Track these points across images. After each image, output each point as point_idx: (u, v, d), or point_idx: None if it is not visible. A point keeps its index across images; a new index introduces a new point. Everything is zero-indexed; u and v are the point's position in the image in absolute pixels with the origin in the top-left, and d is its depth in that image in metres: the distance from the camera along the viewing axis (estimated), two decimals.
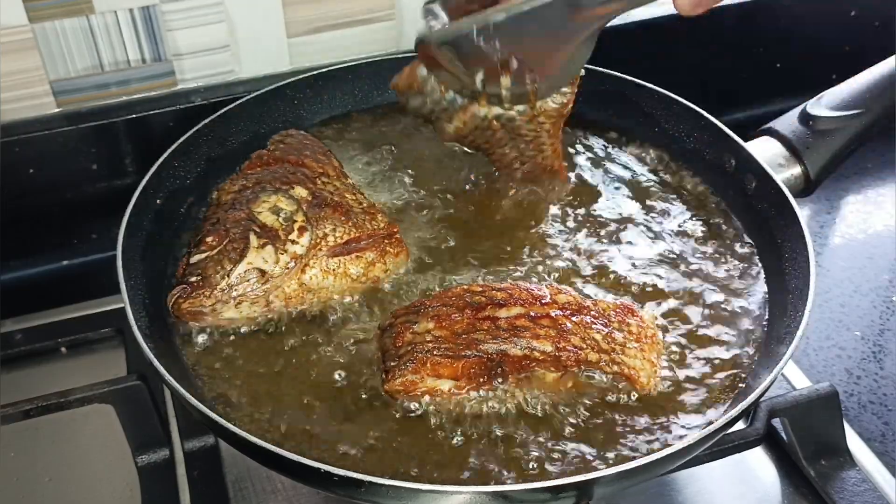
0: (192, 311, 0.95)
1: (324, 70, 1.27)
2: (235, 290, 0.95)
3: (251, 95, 1.22)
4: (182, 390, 0.83)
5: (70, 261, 1.31)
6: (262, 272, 0.95)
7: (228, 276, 0.94)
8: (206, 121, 1.16)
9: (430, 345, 0.88)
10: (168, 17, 1.21)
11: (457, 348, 0.88)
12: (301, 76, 1.26)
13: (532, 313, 0.91)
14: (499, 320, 0.91)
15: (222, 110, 1.19)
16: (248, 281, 0.95)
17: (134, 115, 1.24)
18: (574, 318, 0.92)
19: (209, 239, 0.97)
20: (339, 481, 0.76)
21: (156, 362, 0.85)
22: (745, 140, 1.13)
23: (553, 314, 0.92)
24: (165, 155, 1.10)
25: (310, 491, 0.99)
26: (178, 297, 0.94)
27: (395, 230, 1.03)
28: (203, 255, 0.96)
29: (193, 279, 0.94)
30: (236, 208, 1.00)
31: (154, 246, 1.05)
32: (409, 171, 1.18)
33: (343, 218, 1.01)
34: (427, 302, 0.93)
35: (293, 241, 0.98)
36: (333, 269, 0.99)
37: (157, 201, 1.08)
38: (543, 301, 0.93)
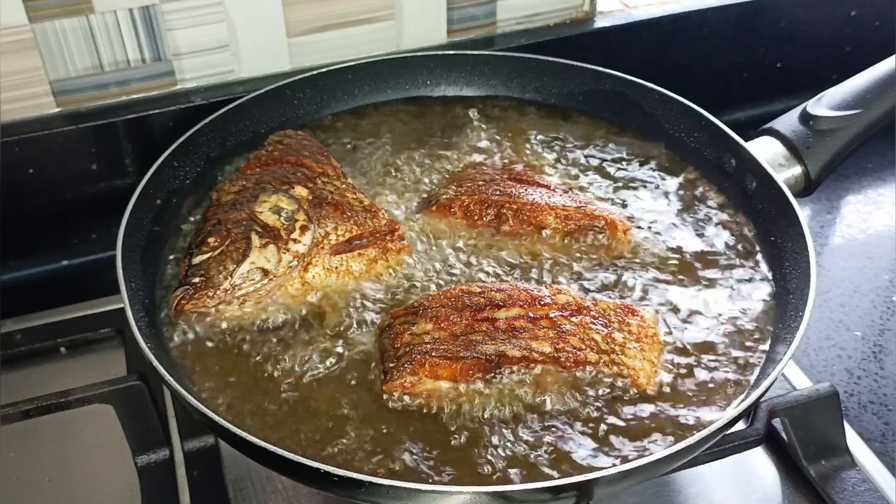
0: (196, 311, 0.95)
1: (324, 70, 1.28)
2: (239, 289, 0.95)
3: (251, 95, 1.22)
4: (182, 390, 0.83)
5: (70, 261, 1.31)
6: (265, 271, 0.96)
7: (231, 275, 0.95)
8: (206, 121, 1.17)
9: (429, 346, 0.88)
10: (168, 16, 1.21)
11: (455, 349, 0.88)
12: (301, 76, 1.26)
13: (531, 314, 0.91)
14: (497, 321, 0.91)
15: (222, 110, 1.19)
16: (251, 280, 0.95)
17: (134, 115, 1.24)
18: (574, 319, 0.92)
19: (211, 239, 0.97)
20: (339, 481, 0.76)
21: (156, 362, 0.85)
22: (746, 140, 1.13)
23: (552, 315, 0.92)
24: (165, 155, 1.10)
25: (310, 491, 0.99)
26: (181, 297, 0.94)
27: (397, 227, 1.03)
28: (205, 256, 0.96)
29: (196, 280, 0.94)
30: (237, 208, 1.01)
31: (154, 246, 1.05)
32: (410, 170, 1.18)
33: (344, 216, 1.02)
34: (426, 302, 0.93)
35: (295, 240, 0.98)
36: (336, 267, 0.99)
37: (157, 201, 1.08)
38: (543, 302, 0.93)
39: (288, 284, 0.97)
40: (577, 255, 1.05)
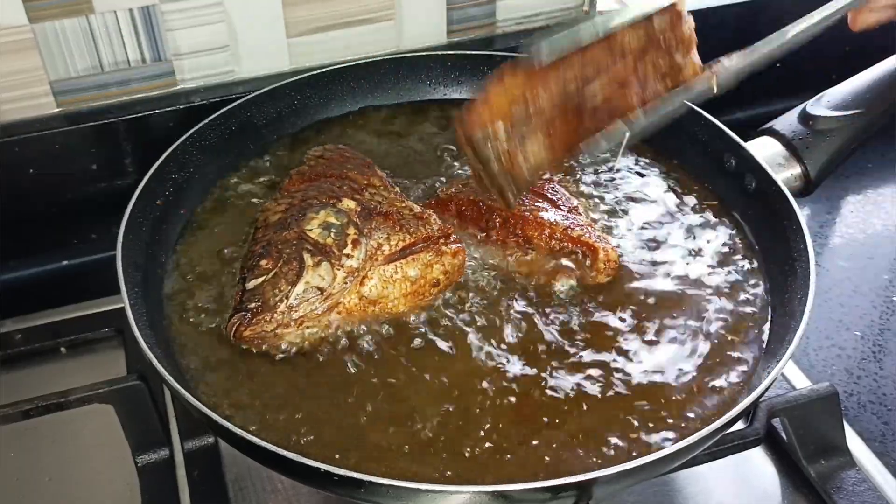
0: (255, 337, 0.93)
1: (324, 70, 1.28)
2: (296, 311, 0.92)
3: (251, 95, 1.22)
4: (182, 390, 0.83)
5: (70, 261, 1.31)
6: (321, 290, 0.94)
7: (287, 297, 0.92)
8: (206, 121, 1.17)
9: None
10: (168, 17, 1.21)
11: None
12: (301, 76, 1.26)
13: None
14: None
15: (222, 110, 1.19)
16: (307, 301, 0.93)
17: (134, 115, 1.24)
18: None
19: (263, 262, 0.95)
20: (339, 481, 0.77)
21: (155, 362, 0.85)
22: (745, 140, 1.13)
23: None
24: (165, 155, 1.10)
25: (310, 491, 0.99)
26: (239, 324, 0.92)
27: (450, 231, 1.01)
28: (259, 280, 0.94)
29: (252, 305, 0.92)
30: (286, 227, 0.99)
31: (154, 246, 1.05)
32: (412, 171, 1.19)
33: (396, 226, 0.99)
34: None
35: (348, 255, 0.96)
36: (391, 276, 0.97)
37: (158, 201, 1.08)
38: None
39: (346, 300, 0.95)
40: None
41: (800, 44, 0.98)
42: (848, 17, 1.02)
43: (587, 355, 0.93)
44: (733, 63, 0.97)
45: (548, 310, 0.98)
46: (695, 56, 0.97)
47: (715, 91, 0.96)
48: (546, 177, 1.14)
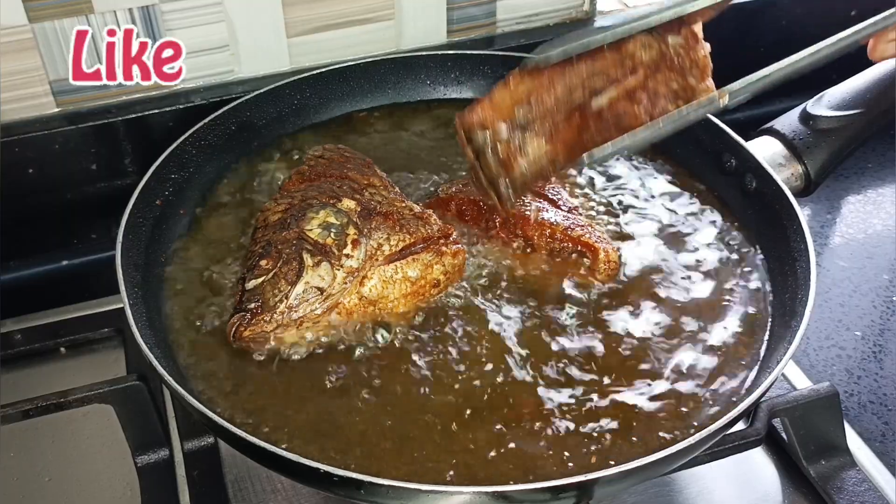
0: (254, 338, 0.93)
1: (324, 70, 1.28)
2: (296, 311, 0.93)
3: (251, 95, 1.22)
4: (181, 390, 0.83)
5: (70, 261, 1.31)
6: (321, 290, 0.93)
7: (287, 297, 0.92)
8: (206, 120, 1.17)
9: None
10: (168, 17, 1.21)
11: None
12: (301, 76, 1.26)
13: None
14: None
15: (221, 110, 1.19)
16: (307, 301, 0.93)
17: (134, 115, 1.24)
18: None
19: (263, 262, 0.95)
20: (339, 481, 0.77)
21: (155, 362, 0.85)
22: (746, 139, 1.13)
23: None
24: (165, 155, 1.10)
25: (310, 491, 0.99)
26: (238, 325, 0.92)
27: (451, 231, 1.01)
28: (259, 280, 0.94)
29: (252, 305, 0.92)
30: (286, 227, 0.98)
31: (154, 246, 1.05)
32: (412, 171, 1.19)
33: (396, 227, 0.99)
34: None
35: (348, 256, 0.96)
36: (391, 276, 0.97)
37: (157, 201, 1.08)
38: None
39: (345, 300, 0.95)
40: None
41: (811, 69, 0.98)
42: (868, 46, 1.02)
43: (587, 355, 0.93)
44: (743, 86, 0.95)
45: (548, 310, 0.98)
46: (710, 83, 0.95)
47: (721, 107, 0.95)
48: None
